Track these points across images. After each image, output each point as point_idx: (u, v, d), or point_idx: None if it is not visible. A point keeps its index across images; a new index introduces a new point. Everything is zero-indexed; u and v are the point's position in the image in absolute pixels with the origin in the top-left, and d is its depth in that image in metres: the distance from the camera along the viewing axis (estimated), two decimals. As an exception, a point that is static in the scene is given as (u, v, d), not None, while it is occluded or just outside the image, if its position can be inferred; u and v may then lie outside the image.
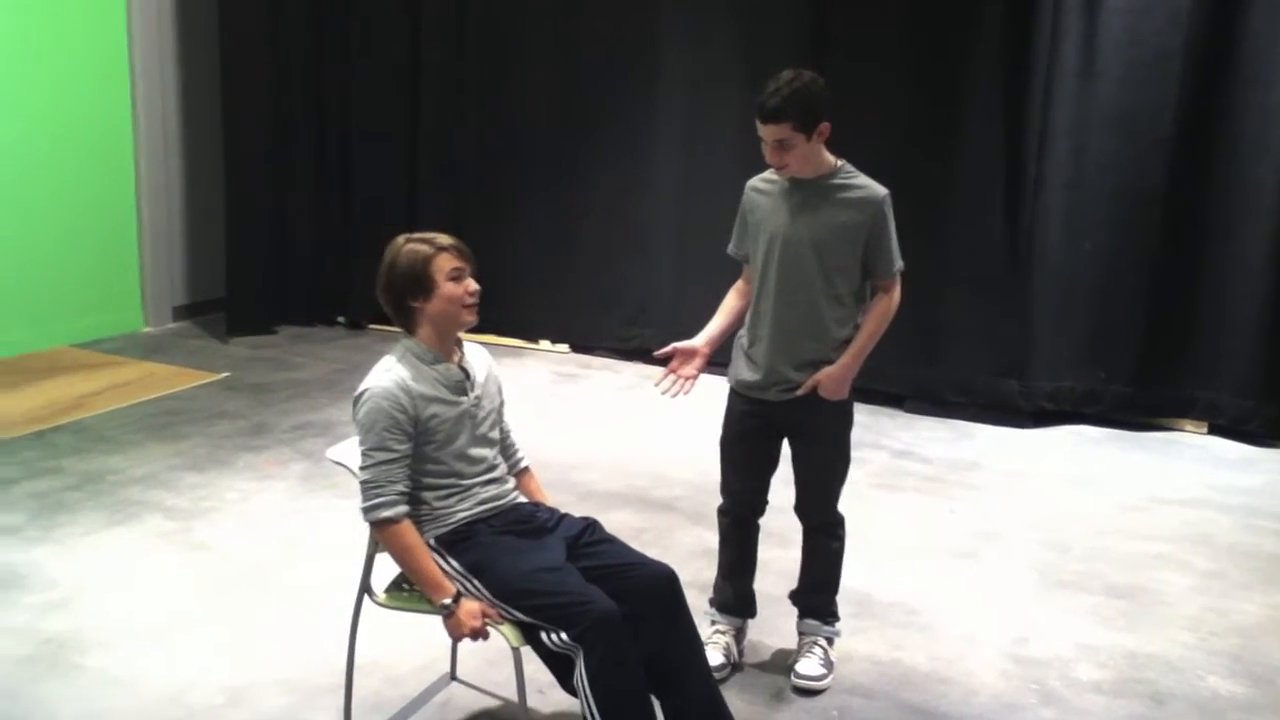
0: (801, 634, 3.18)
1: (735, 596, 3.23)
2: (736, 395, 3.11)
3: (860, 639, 3.32)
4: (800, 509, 3.14)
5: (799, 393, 2.95)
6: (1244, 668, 3.24)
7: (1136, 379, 5.57)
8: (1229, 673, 3.21)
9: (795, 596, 3.23)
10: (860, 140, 5.77)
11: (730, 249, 3.14)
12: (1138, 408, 5.61)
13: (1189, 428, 5.58)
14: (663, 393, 3.00)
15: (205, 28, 6.98)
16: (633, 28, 6.45)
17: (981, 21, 5.54)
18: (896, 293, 3.00)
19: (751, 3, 6.08)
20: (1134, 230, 5.47)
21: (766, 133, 2.83)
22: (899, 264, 2.98)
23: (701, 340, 3.05)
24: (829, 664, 3.11)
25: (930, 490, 4.69)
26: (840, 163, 2.96)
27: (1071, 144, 5.46)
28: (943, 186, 5.70)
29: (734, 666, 3.15)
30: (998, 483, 4.81)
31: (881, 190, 2.94)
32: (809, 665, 3.09)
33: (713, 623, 3.21)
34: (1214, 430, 5.53)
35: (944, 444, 5.31)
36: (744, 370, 3.06)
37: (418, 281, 2.57)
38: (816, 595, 3.19)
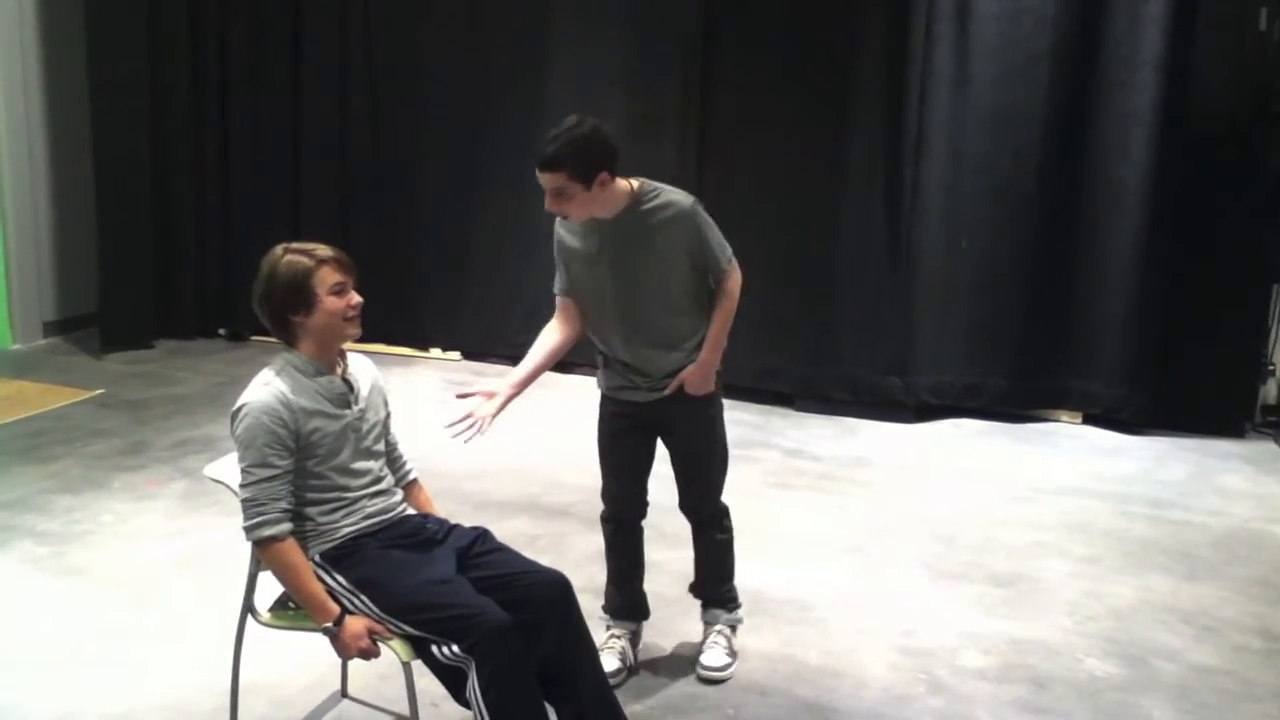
0: (706, 624, 3.23)
1: (626, 601, 3.24)
2: (607, 399, 3.12)
3: (754, 636, 3.35)
4: (684, 505, 3.17)
5: (666, 392, 2.97)
6: (1119, 649, 3.37)
7: (1014, 372, 5.77)
8: (1105, 654, 3.33)
9: (695, 589, 3.27)
10: (745, 144, 5.95)
11: (556, 288, 3.06)
12: (1016, 400, 5.80)
13: (1065, 418, 5.80)
14: (454, 436, 2.84)
15: (71, 26, 6.69)
16: (523, 27, 6.42)
17: (863, 27, 5.66)
18: (736, 276, 3.00)
19: (642, 3, 6.11)
20: (1009, 229, 5.66)
21: (544, 181, 2.76)
22: (727, 254, 2.98)
23: (506, 383, 2.96)
24: (732, 653, 3.16)
25: (822, 488, 4.77)
26: (637, 185, 2.89)
27: (948, 147, 5.62)
28: (826, 189, 5.81)
29: (630, 670, 3.16)
30: (886, 478, 4.92)
31: (687, 200, 2.91)
32: (713, 656, 3.14)
33: (607, 628, 3.21)
34: (1088, 420, 5.75)
35: (833, 441, 5.41)
36: (609, 377, 3.07)
37: (298, 295, 2.50)
38: (715, 585, 3.23)
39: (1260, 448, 5.51)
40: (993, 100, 5.57)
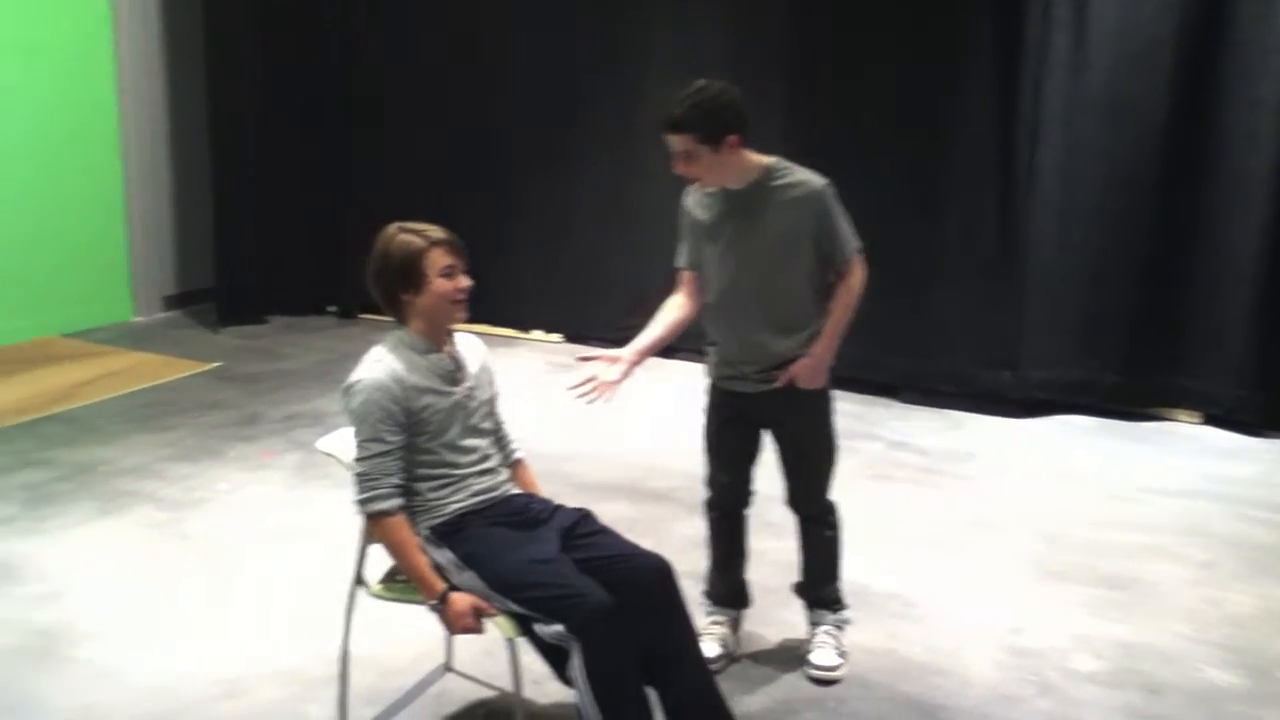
0: (813, 624, 3.18)
1: (728, 588, 3.22)
2: (716, 388, 3.10)
3: (856, 630, 3.30)
4: (791, 501, 3.13)
5: (777, 385, 2.93)
6: (1239, 659, 3.24)
7: (1129, 368, 5.57)
8: (1225, 664, 3.21)
9: (800, 589, 3.23)
10: (851, 130, 5.86)
11: (679, 261, 3.07)
12: (1130, 397, 5.60)
13: (1182, 417, 5.58)
14: (577, 397, 2.87)
15: (190, 18, 6.92)
16: (626, 11, 6.42)
17: (974, 10, 5.52)
18: (859, 272, 2.95)
19: (741, -14, 6.06)
20: (1126, 220, 5.46)
21: (671, 144, 2.77)
22: (855, 245, 2.94)
23: (628, 350, 2.96)
24: (842, 653, 3.12)
25: (924, 481, 4.69)
26: (771, 161, 2.88)
27: (1064, 134, 5.44)
28: (935, 177, 5.69)
29: (730, 657, 3.15)
30: (991, 473, 4.80)
31: (820, 181, 2.88)
32: (823, 655, 3.09)
33: (708, 614, 3.20)
34: (1208, 420, 5.53)
35: (938, 434, 5.30)
36: (718, 366, 3.05)
37: (409, 275, 2.54)
38: (821, 586, 3.18)
39: (1394, 454, 5.23)
40: (1112, 87, 5.37)
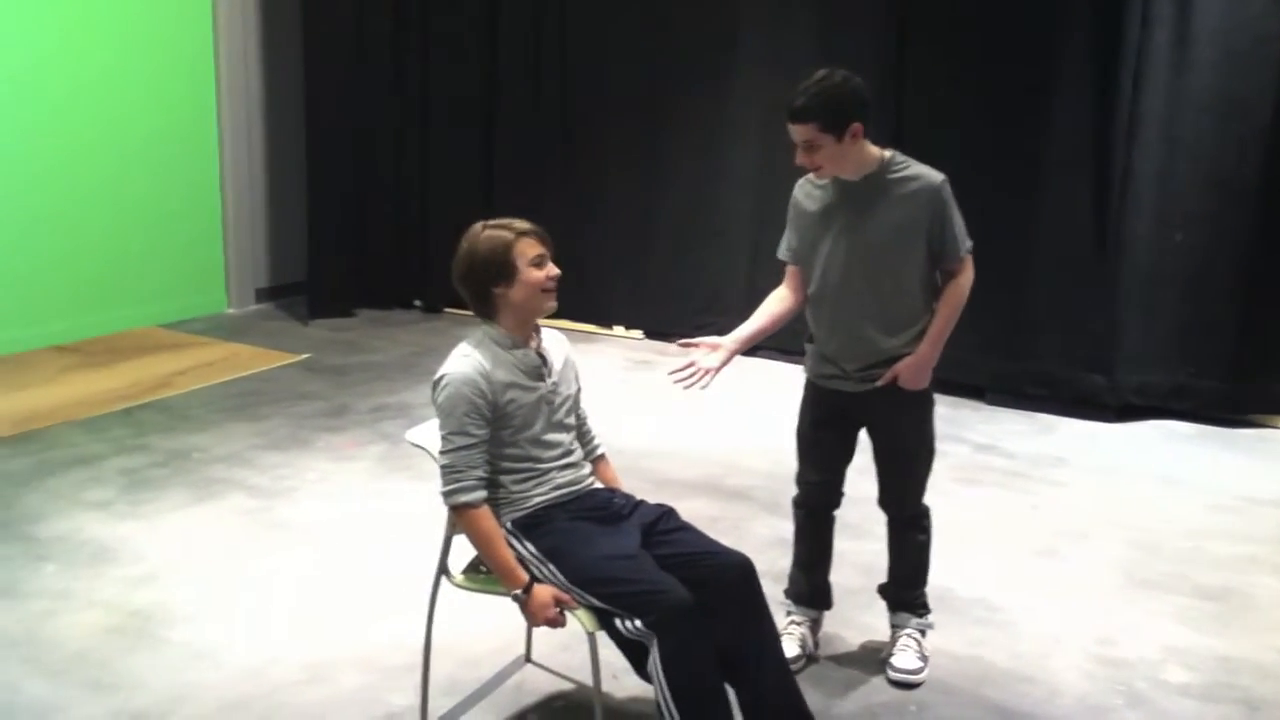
0: (895, 627, 3.14)
1: (810, 588, 3.19)
2: (813, 386, 3.06)
3: (939, 634, 3.25)
4: (885, 502, 3.09)
5: (879, 384, 2.90)
6: (1343, 676, 3.11)
7: (1229, 375, 5.39)
8: (1326, 681, 3.09)
9: (885, 590, 3.19)
10: (943, 128, 5.76)
11: (781, 253, 3.06)
12: (1230, 404, 5.42)
13: (1282, 425, 5.39)
14: (676, 382, 2.88)
15: (289, 18, 7.09)
16: (712, 13, 6.41)
17: (1072, 7, 5.38)
18: (969, 272, 2.92)
19: (835, -11, 6.00)
20: (1227, 222, 5.28)
21: (794, 133, 2.75)
22: (967, 245, 2.91)
23: (730, 338, 2.95)
24: (924, 657, 3.07)
25: (1012, 485, 4.59)
26: (888, 154, 2.86)
27: (1163, 134, 5.28)
28: (1030, 175, 5.56)
29: (809, 658, 3.12)
30: (1082, 479, 4.69)
31: (938, 176, 2.85)
32: (905, 659, 3.04)
33: (788, 614, 3.18)
34: (1311, 429, 5.33)
35: (1026, 438, 5.19)
36: (818, 364, 3.01)
37: (500, 268, 2.57)
38: (908, 589, 3.14)
39: None
40: (1214, 85, 5.20)
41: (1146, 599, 3.58)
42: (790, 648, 3.00)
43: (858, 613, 3.36)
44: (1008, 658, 3.17)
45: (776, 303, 3.05)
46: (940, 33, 5.73)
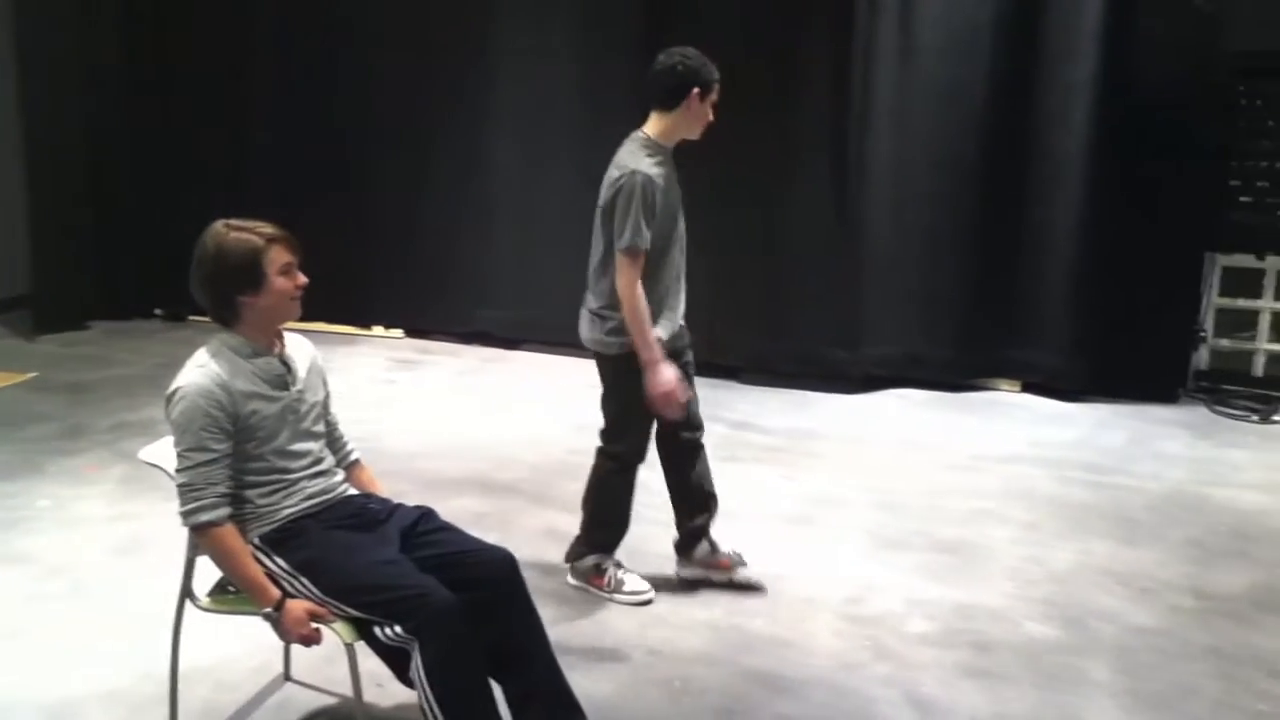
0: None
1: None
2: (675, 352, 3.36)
3: (702, 607, 3.37)
4: (694, 423, 3.49)
5: None
6: (1059, 612, 3.43)
7: (958, 343, 5.83)
8: (1045, 618, 3.39)
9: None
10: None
11: (645, 243, 3.13)
12: (960, 370, 5.87)
13: (1005, 386, 5.88)
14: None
15: (2, 13, 6.50)
16: (468, 5, 6.34)
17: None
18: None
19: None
20: (953, 200, 5.71)
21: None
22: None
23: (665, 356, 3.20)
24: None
25: (767, 459, 4.80)
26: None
27: (893, 119, 5.64)
28: (774, 163, 5.82)
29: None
30: (833, 449, 4.96)
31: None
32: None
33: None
34: (1029, 388, 5.84)
35: (781, 414, 5.44)
36: (676, 330, 3.36)
37: (248, 276, 2.44)
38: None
39: (1194, 413, 5.63)
40: (937, 71, 5.60)
41: (891, 557, 3.83)
42: (640, 584, 3.41)
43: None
44: (766, 624, 3.31)
45: None
46: (692, 27, 5.87)
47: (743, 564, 3.52)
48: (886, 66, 5.61)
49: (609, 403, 3.38)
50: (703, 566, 3.50)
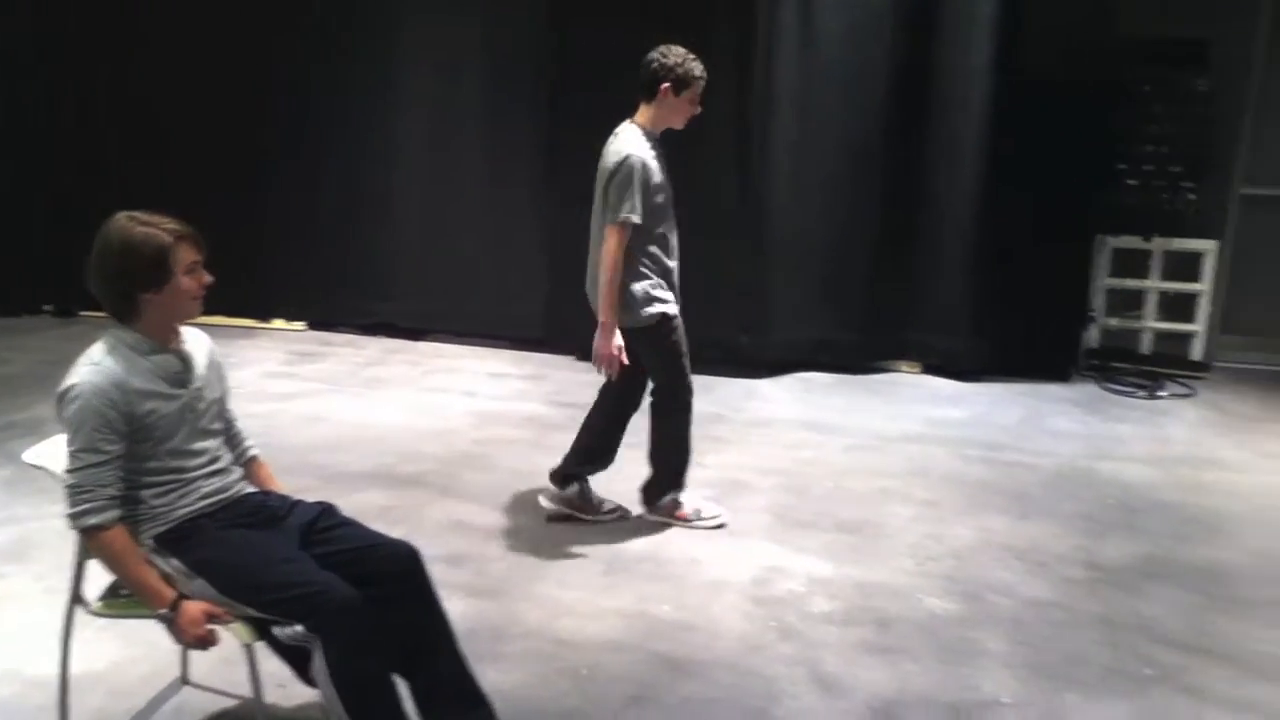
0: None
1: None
2: (669, 317, 3.68)
3: (609, 595, 3.38)
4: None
5: None
6: (957, 587, 3.52)
7: (861, 326, 5.93)
8: (944, 593, 3.48)
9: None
10: (599, 106, 5.86)
11: (635, 218, 3.50)
12: (863, 353, 5.98)
13: (906, 368, 6.00)
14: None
15: None
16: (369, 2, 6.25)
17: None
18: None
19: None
20: (856, 185, 5.80)
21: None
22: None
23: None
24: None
25: (675, 445, 4.82)
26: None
27: (795, 105, 5.70)
28: (679, 151, 5.80)
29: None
30: (739, 434, 5.01)
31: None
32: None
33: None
34: (929, 369, 5.97)
35: (688, 399, 5.46)
36: (670, 298, 3.71)
37: (154, 274, 2.36)
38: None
39: (1084, 390, 5.83)
40: (838, 58, 5.67)
41: (795, 538, 3.89)
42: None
43: (531, 585, 3.43)
44: (673, 609, 3.34)
45: None
46: (595, 16, 5.86)
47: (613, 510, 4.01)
48: (788, 54, 5.66)
49: (655, 370, 3.78)
50: (564, 503, 3.96)
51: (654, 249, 3.64)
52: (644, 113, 3.65)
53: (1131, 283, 6.29)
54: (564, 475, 3.97)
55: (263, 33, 6.42)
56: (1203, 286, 6.24)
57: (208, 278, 2.46)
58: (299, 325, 6.62)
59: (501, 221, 6.28)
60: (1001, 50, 5.54)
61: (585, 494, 3.97)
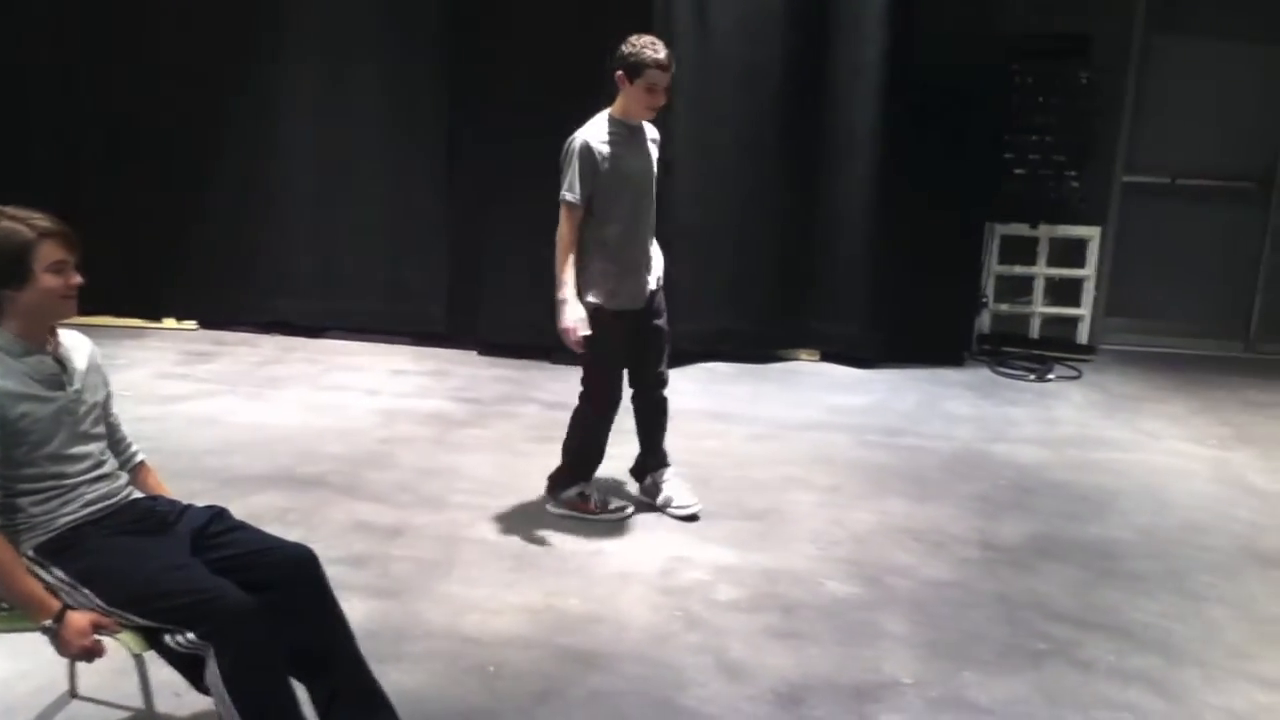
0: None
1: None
2: (615, 314, 3.68)
3: (515, 591, 3.36)
4: (652, 377, 3.93)
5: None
6: (859, 570, 3.59)
7: (761, 316, 6.00)
8: (846, 576, 3.54)
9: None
10: (508, 102, 5.85)
11: (573, 198, 3.59)
12: (763, 342, 6.06)
13: (805, 356, 6.10)
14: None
15: None
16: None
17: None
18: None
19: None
20: (755, 179, 5.86)
21: (664, 81, 3.61)
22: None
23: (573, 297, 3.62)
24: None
25: (580, 438, 4.81)
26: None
27: (694, 101, 5.72)
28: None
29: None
30: (643, 424, 5.01)
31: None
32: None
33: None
34: (827, 357, 6.07)
35: (592, 392, 5.45)
36: (633, 298, 3.72)
37: (12, 270, 2.27)
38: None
39: (977, 374, 6.00)
40: (732, 53, 5.72)
41: (701, 528, 3.91)
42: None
43: (434, 582, 3.39)
44: (581, 603, 3.33)
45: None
46: (495, 15, 5.81)
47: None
48: (683, 48, 5.65)
49: (584, 363, 3.88)
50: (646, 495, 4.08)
51: (608, 238, 3.66)
52: (616, 101, 3.71)
53: (1020, 269, 6.48)
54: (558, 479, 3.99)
55: (150, 24, 6.21)
56: (1088, 272, 6.47)
57: (78, 278, 2.37)
58: (190, 324, 6.43)
59: (401, 216, 6.19)
60: (892, 44, 5.65)
61: (585, 494, 3.96)
